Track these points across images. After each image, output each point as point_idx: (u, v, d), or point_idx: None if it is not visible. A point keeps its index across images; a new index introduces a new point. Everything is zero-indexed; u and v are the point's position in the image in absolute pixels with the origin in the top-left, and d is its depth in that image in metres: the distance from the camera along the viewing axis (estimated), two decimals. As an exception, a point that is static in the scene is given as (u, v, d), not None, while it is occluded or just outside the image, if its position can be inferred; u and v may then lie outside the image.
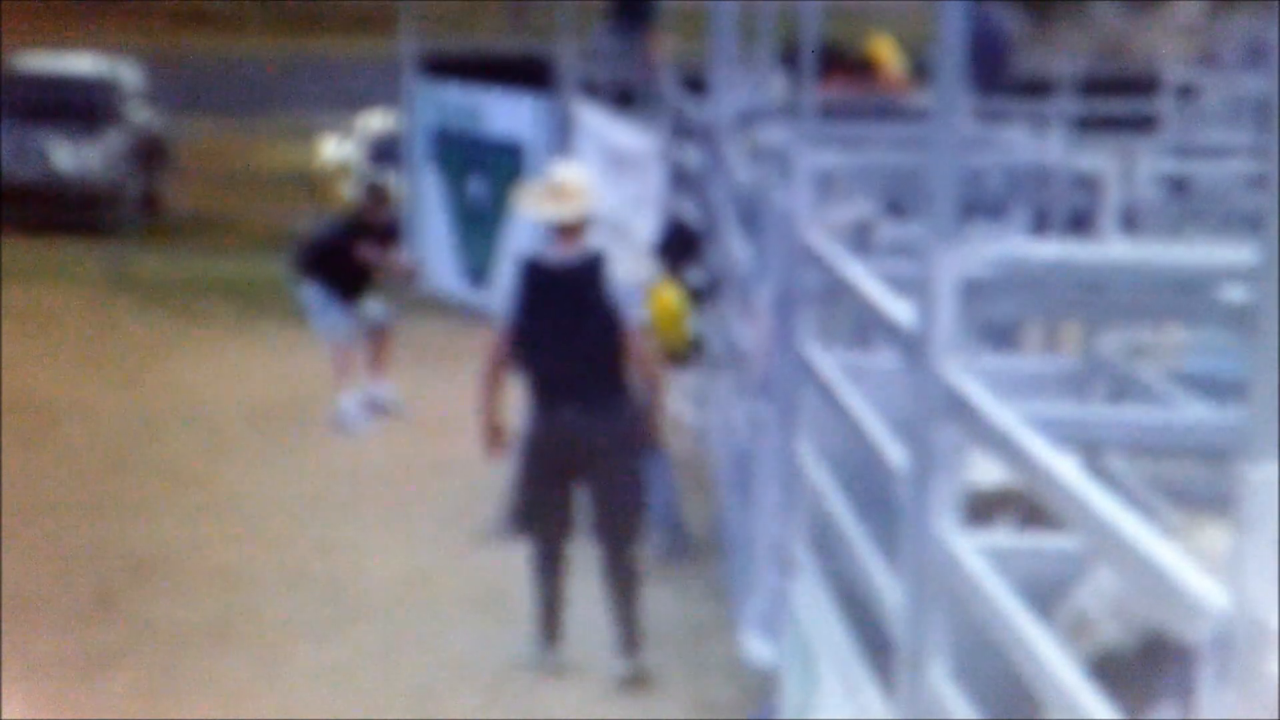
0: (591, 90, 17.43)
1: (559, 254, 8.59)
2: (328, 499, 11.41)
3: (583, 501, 8.63)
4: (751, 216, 9.45)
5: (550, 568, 8.68)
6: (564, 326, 8.45)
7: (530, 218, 8.86)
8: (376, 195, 13.79)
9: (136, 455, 12.31)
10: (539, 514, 8.65)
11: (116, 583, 9.73)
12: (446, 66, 19.59)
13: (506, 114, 17.94)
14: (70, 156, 22.37)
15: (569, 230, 8.58)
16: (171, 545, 10.38)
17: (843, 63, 14.74)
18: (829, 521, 6.34)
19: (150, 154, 23.82)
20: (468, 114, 18.49)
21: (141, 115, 24.25)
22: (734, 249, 10.22)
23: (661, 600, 8.88)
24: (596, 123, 16.29)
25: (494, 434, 8.69)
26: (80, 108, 23.11)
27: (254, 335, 16.44)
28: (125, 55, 25.66)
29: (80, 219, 21.05)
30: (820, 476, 6.68)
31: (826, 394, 6.56)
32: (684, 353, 11.42)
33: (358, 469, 12.15)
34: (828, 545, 6.47)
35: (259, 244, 20.94)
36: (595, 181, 8.92)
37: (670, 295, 11.22)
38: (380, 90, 23.27)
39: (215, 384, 14.49)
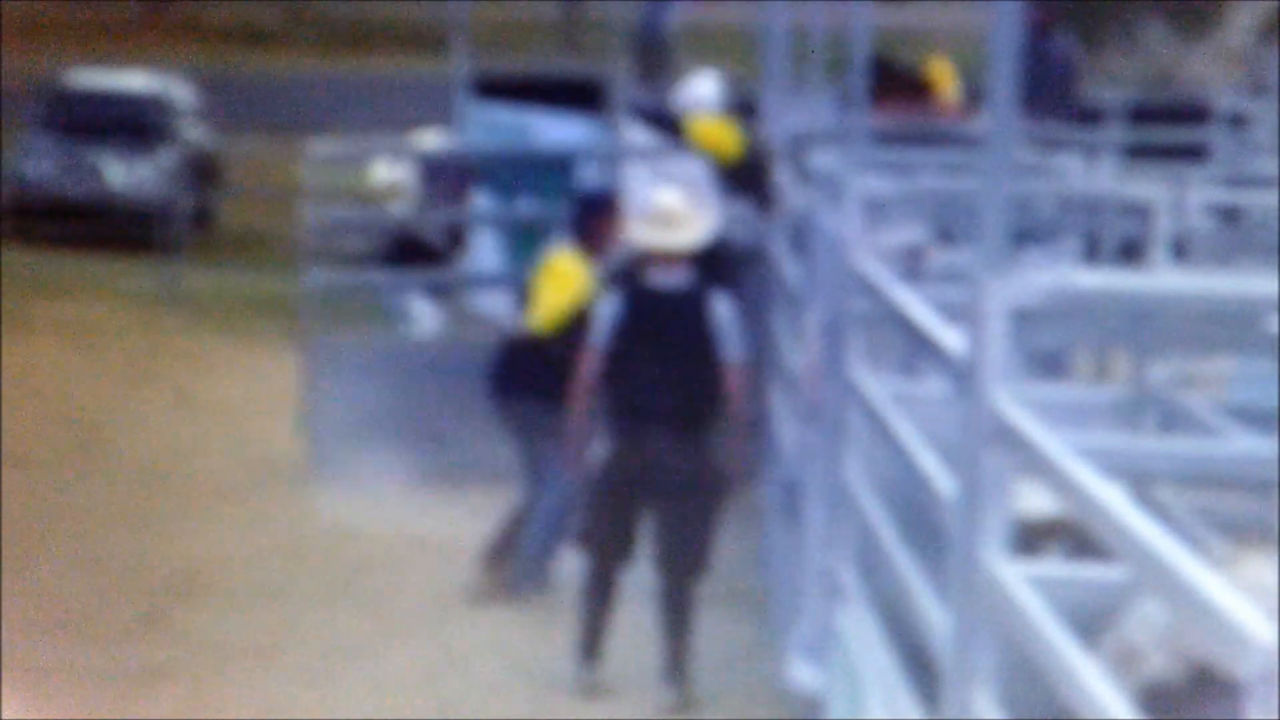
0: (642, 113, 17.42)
1: (662, 277, 8.59)
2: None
3: (648, 529, 8.60)
4: (802, 240, 9.45)
5: (604, 592, 8.64)
6: (660, 350, 8.42)
7: (644, 245, 8.84)
8: None
9: (184, 471, 12.36)
10: (603, 537, 8.61)
11: (163, 598, 9.77)
12: (497, 88, 19.60)
13: (557, 135, 17.94)
14: (122, 173, 22.46)
15: (675, 255, 8.60)
16: (218, 561, 10.41)
17: (898, 82, 14.72)
18: (877, 548, 6.33)
19: (202, 171, 23.89)
20: (518, 135, 18.51)
21: (193, 133, 24.34)
22: (784, 272, 10.22)
23: (705, 623, 8.86)
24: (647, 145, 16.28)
25: (580, 448, 8.65)
26: (133, 125, 23.17)
27: (303, 353, 16.46)
28: (177, 72, 25.77)
29: (132, 235, 21.11)
30: (868, 503, 6.68)
31: (875, 420, 6.56)
32: (555, 328, 9.79)
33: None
34: (875, 572, 6.47)
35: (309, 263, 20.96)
36: (703, 204, 8.89)
37: (570, 265, 10.01)
38: (431, 111, 23.29)
39: (264, 400, 14.51)
